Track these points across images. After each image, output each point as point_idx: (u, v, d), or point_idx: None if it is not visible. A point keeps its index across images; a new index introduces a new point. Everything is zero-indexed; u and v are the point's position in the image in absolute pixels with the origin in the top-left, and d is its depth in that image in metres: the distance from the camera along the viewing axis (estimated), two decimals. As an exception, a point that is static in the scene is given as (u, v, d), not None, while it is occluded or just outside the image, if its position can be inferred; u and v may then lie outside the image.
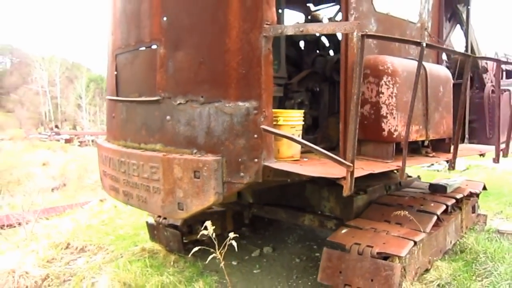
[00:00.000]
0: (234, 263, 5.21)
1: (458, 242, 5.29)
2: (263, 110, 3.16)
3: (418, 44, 3.26)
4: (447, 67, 5.61)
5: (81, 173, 23.32)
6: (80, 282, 4.86)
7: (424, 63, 4.14)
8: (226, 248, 3.08)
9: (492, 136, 8.02)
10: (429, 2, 4.86)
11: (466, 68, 4.02)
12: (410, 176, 6.30)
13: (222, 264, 3.12)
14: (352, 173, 2.93)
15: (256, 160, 3.20)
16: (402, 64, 3.78)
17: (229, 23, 3.20)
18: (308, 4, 6.86)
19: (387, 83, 3.72)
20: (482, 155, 5.60)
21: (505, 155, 5.26)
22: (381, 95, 3.75)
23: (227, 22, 3.21)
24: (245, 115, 3.20)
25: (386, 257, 3.71)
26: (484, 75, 7.75)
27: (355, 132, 2.90)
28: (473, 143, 6.33)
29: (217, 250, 3.06)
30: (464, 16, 7.11)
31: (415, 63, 3.93)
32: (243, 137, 3.22)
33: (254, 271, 5.01)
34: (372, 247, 3.74)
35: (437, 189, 5.28)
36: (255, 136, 3.18)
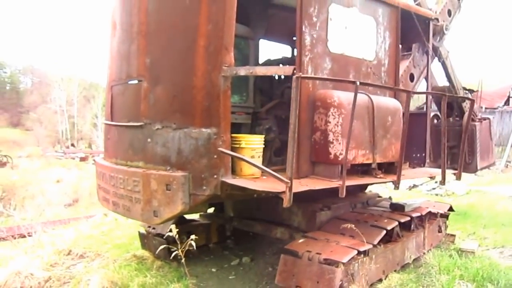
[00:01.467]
0: (213, 270, 5.84)
1: (418, 258, 5.84)
2: (221, 136, 3.88)
3: (352, 83, 3.92)
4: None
5: (92, 190, 24.04)
6: (78, 284, 5.49)
7: (372, 96, 4.82)
8: (187, 247, 3.74)
9: (471, 162, 8.59)
10: (386, 41, 5.52)
11: (407, 102, 4.67)
12: (380, 196, 6.87)
13: (183, 260, 3.77)
14: (290, 188, 3.58)
15: (215, 176, 3.89)
16: (347, 98, 4.42)
17: (196, 65, 3.95)
18: (294, 38, 7.60)
19: (334, 113, 4.39)
20: (432, 177, 6.16)
21: (458, 178, 5.84)
22: (328, 124, 4.42)
23: (194, 64, 3.96)
24: (207, 139, 3.91)
25: (334, 263, 4.31)
26: (464, 104, 8.38)
27: (293, 155, 3.57)
28: (454, 168, 6.85)
29: (179, 248, 3.72)
30: (442, 51, 7.83)
31: (363, 97, 4.64)
32: (206, 157, 3.93)
33: (230, 277, 5.62)
34: (320, 254, 4.35)
35: (396, 208, 5.87)
36: (215, 156, 3.89)
